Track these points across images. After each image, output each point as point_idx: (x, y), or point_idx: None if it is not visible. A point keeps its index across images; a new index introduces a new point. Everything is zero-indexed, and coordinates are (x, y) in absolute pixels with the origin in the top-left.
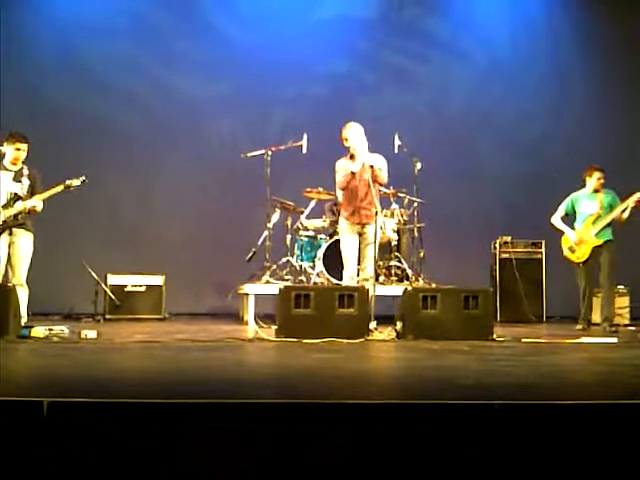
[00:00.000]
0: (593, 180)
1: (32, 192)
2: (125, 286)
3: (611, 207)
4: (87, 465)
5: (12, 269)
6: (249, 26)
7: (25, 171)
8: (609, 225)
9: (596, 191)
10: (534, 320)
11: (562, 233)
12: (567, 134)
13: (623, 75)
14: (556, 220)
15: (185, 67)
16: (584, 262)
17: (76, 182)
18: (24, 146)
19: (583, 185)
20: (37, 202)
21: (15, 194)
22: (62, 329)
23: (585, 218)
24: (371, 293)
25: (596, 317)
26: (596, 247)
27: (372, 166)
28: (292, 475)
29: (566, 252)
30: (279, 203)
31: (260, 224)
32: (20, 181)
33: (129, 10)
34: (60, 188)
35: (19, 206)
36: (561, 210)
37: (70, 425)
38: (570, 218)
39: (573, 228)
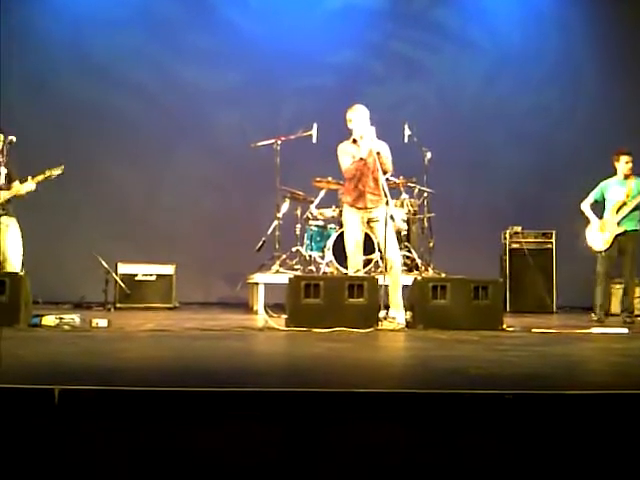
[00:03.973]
0: (622, 165)
1: (10, 180)
2: (135, 275)
3: None
4: (98, 452)
5: (4, 256)
6: (258, 17)
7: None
8: (636, 213)
9: (627, 177)
10: (544, 310)
11: (588, 221)
12: (578, 124)
13: (634, 65)
14: (585, 207)
15: (194, 58)
16: (606, 250)
17: (56, 171)
18: (0, 137)
19: (614, 172)
20: (33, 185)
21: None
22: (73, 318)
23: (612, 205)
24: (400, 281)
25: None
26: (619, 235)
27: (379, 153)
28: (302, 462)
29: (589, 241)
30: (289, 193)
31: (270, 214)
32: None
33: (137, 1)
34: (40, 178)
35: (1, 195)
36: (591, 197)
37: (81, 413)
38: (601, 206)
39: (602, 217)
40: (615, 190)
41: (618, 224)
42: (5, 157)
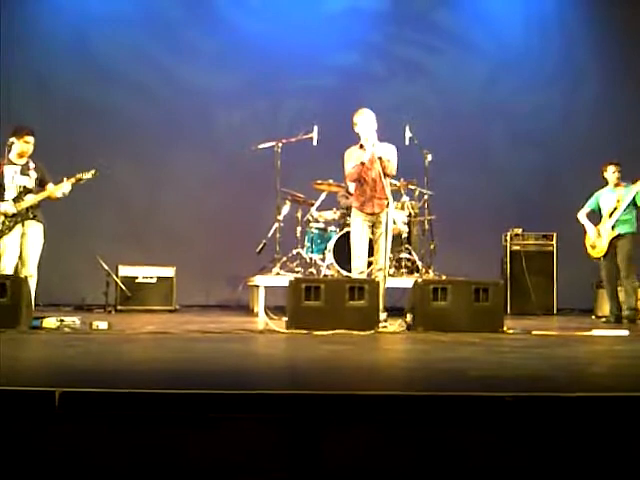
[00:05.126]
0: (609, 175)
1: (42, 184)
2: (136, 277)
3: (632, 200)
4: (98, 455)
5: (22, 260)
6: (260, 17)
7: (31, 164)
8: (629, 217)
9: (616, 185)
10: (544, 313)
11: (585, 229)
12: (579, 126)
13: (636, 67)
14: (581, 216)
15: (195, 58)
16: (604, 256)
17: (87, 175)
18: (32, 139)
19: (605, 183)
20: (69, 185)
21: (24, 187)
22: (73, 320)
23: (605, 212)
24: (382, 284)
25: (606, 310)
26: (613, 239)
27: (380, 157)
28: (303, 465)
29: (589, 249)
30: (289, 195)
31: (270, 216)
32: (28, 174)
33: (140, 1)
34: (72, 181)
35: (30, 199)
36: (587, 207)
37: (82, 415)
38: (597, 215)
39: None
40: (607, 198)
41: (612, 228)
42: (36, 162)
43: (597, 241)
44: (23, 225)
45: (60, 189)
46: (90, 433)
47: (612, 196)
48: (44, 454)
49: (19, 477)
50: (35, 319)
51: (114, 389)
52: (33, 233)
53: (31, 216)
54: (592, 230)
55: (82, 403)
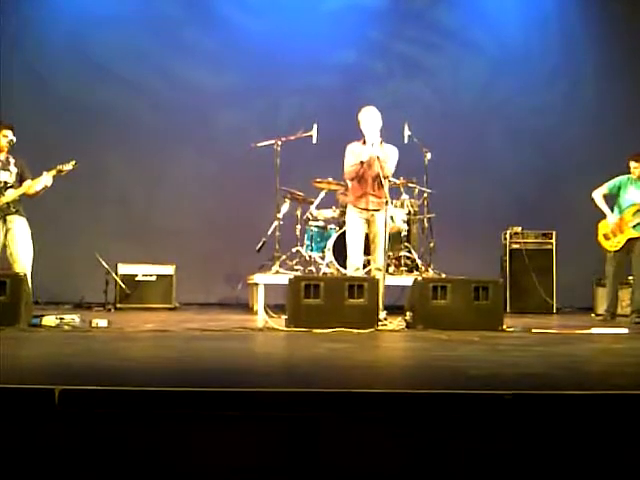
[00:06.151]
0: (632, 169)
1: (21, 179)
2: (136, 275)
3: None
4: (98, 453)
5: (14, 257)
6: (259, 15)
7: (11, 159)
8: None
9: None
10: (544, 311)
11: (599, 209)
12: (578, 125)
13: (635, 67)
14: (598, 197)
15: (194, 57)
16: (616, 251)
17: (67, 167)
18: (10, 134)
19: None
20: (49, 178)
21: (5, 182)
22: (73, 318)
23: (628, 206)
24: (381, 283)
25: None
26: (631, 239)
27: (378, 157)
28: (302, 463)
29: (600, 237)
30: (289, 193)
31: (270, 214)
32: (8, 169)
33: (139, 0)
34: (53, 173)
35: (10, 194)
36: (605, 187)
37: (81, 413)
38: (609, 198)
39: (612, 209)
40: (632, 191)
41: (634, 228)
42: (16, 157)
43: (616, 237)
44: (5, 221)
45: (40, 182)
46: (90, 431)
47: (637, 192)
48: (44, 452)
49: (19, 475)
50: (35, 317)
51: (114, 387)
52: (19, 227)
53: (13, 211)
54: (613, 220)
55: (82, 401)
